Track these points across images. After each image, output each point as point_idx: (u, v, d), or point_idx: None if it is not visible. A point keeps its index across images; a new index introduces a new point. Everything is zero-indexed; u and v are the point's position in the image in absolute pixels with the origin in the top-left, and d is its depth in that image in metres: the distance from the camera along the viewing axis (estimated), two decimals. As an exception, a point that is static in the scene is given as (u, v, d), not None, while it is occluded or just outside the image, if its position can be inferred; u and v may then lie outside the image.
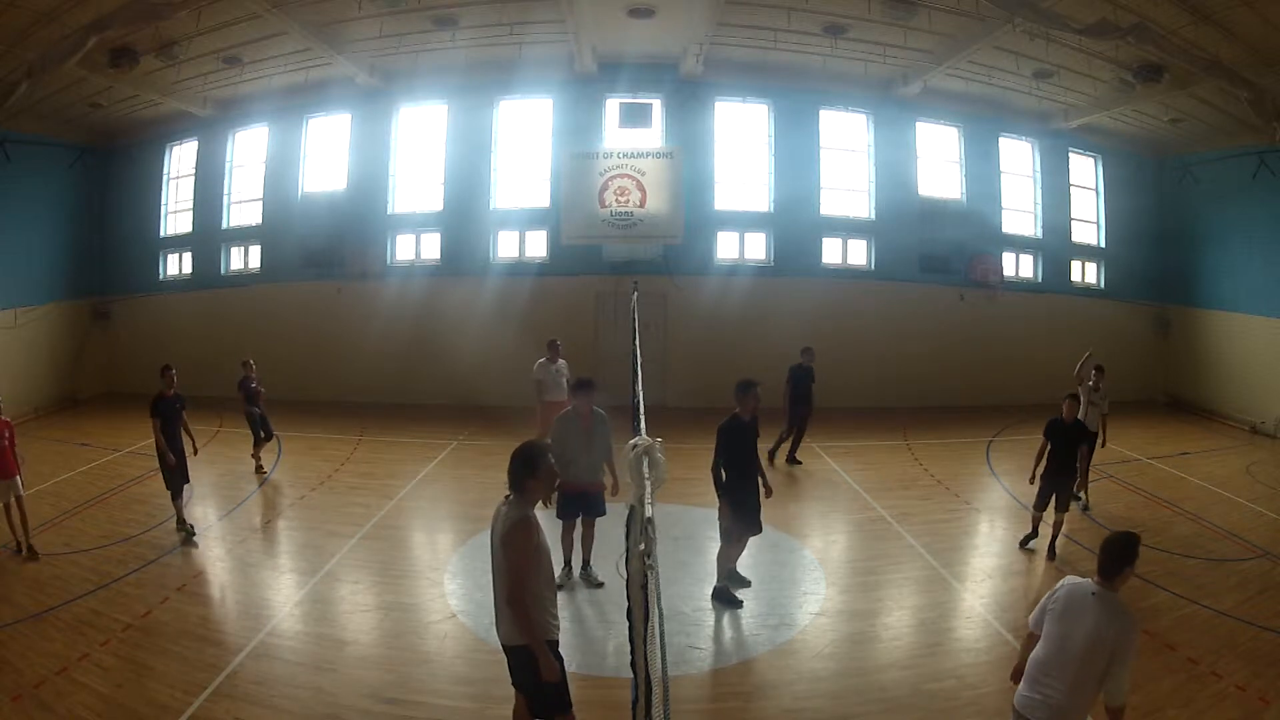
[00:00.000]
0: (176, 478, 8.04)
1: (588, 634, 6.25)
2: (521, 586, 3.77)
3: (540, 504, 6.53)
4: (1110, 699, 3.47)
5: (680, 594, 6.73)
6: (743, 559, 7.25)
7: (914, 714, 5.16)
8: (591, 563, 7.12)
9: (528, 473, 3.91)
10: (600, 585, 6.97)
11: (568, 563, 7.08)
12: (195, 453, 8.40)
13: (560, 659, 3.98)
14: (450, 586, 7.04)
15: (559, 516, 6.90)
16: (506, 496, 3.98)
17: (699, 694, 5.44)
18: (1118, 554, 3.49)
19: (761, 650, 5.98)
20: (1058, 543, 7.75)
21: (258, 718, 4.98)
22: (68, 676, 5.33)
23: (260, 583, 7.21)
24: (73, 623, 6.14)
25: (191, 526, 8.13)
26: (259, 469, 10.45)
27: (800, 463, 11.00)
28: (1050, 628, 3.57)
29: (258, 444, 10.47)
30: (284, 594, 6.91)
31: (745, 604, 6.70)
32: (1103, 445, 9.40)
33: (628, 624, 3.68)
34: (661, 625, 2.56)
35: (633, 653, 3.48)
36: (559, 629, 4.02)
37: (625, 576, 3.53)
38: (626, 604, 3.66)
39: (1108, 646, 3.39)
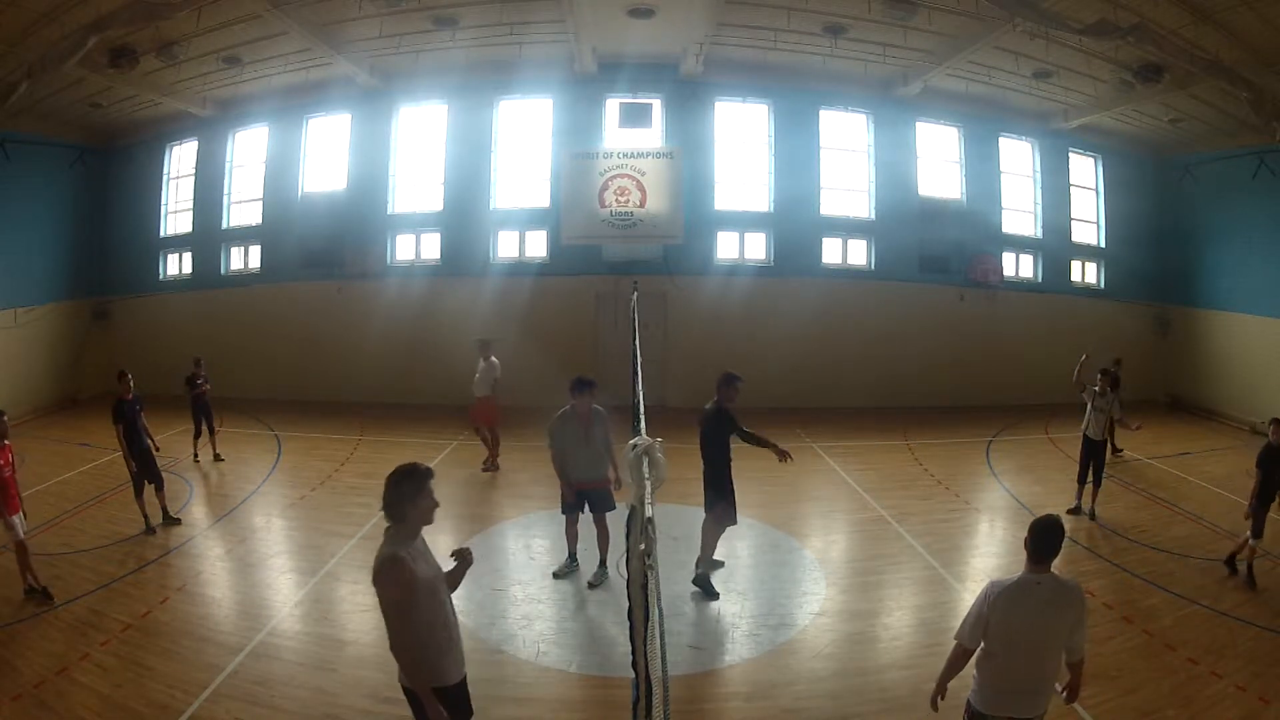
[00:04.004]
0: (141, 477, 8.28)
1: (589, 634, 6.25)
2: (398, 631, 3.35)
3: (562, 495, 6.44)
4: (1073, 656, 3.80)
5: (680, 594, 6.73)
6: (744, 559, 7.25)
7: (914, 714, 5.15)
8: (607, 563, 7.07)
9: (411, 496, 3.37)
10: (594, 586, 6.97)
11: (572, 555, 7.26)
12: (158, 449, 8.67)
13: (468, 702, 3.69)
14: (450, 586, 7.04)
15: (562, 512, 7.12)
16: (387, 528, 3.46)
17: (699, 694, 5.44)
18: (1056, 539, 3.68)
19: (761, 650, 5.98)
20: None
21: (258, 718, 4.99)
22: (68, 676, 5.34)
23: (260, 583, 7.21)
24: (73, 623, 6.15)
25: (152, 525, 8.26)
26: (195, 458, 10.98)
27: (1120, 450, 11.56)
28: (1000, 629, 3.67)
29: (198, 436, 11.06)
30: (284, 594, 6.92)
31: (745, 604, 6.70)
32: (1115, 452, 9.20)
33: (628, 624, 3.68)
34: (662, 625, 2.56)
35: (633, 653, 3.49)
36: (462, 668, 3.65)
37: (625, 576, 3.51)
38: (626, 604, 3.66)
39: (1069, 620, 3.67)
